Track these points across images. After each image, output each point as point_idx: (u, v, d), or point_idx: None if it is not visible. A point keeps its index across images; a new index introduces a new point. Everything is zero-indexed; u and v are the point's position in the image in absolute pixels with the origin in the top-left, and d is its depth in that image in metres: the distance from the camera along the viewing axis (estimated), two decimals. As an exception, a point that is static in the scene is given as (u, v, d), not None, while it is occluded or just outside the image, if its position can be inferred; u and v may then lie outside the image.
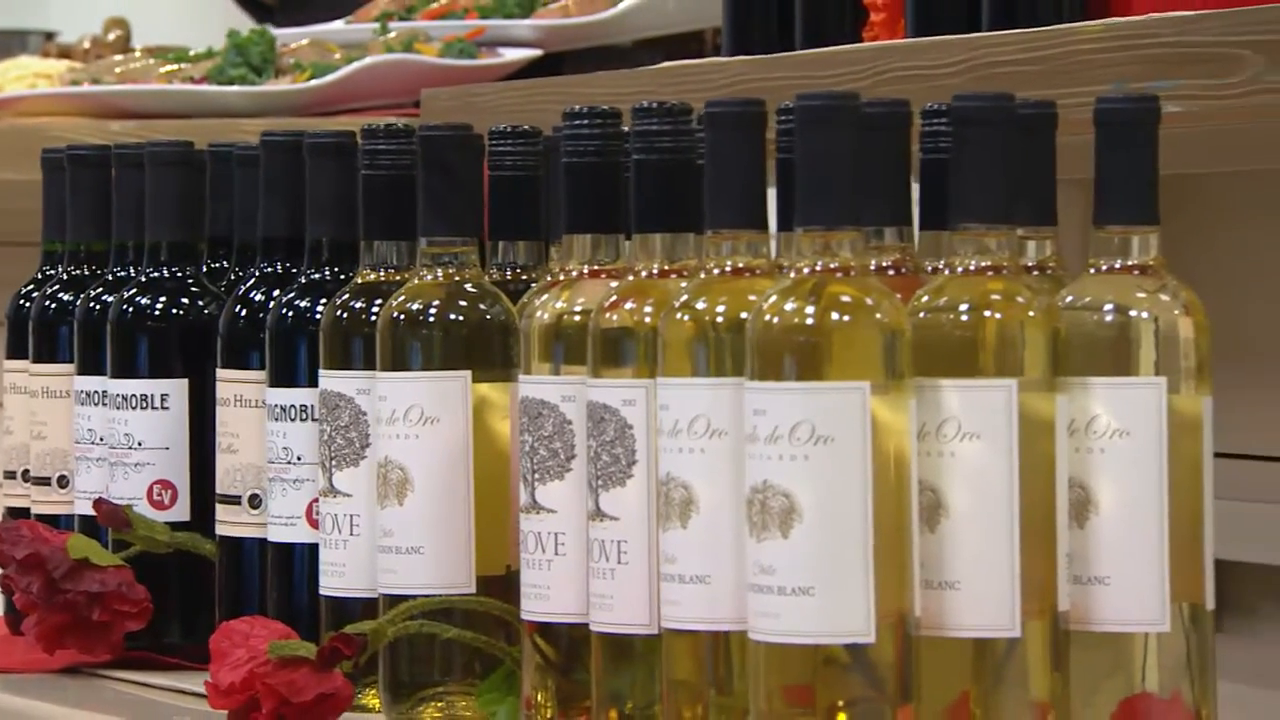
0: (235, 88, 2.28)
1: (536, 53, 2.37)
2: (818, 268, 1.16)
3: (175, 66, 2.37)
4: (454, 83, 2.07)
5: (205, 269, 1.61)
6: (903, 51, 1.58)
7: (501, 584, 1.35)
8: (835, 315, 1.15)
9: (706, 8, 2.30)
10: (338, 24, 2.49)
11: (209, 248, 1.62)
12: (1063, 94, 1.37)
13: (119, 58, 2.52)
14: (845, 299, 1.15)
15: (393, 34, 2.38)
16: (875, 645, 1.14)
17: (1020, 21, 1.53)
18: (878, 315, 1.15)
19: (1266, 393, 1.78)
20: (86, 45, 2.86)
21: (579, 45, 2.40)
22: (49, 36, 3.31)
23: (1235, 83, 1.34)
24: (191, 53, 2.42)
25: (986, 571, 1.16)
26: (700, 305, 1.21)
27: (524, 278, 1.41)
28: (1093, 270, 1.20)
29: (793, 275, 1.17)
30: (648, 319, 1.24)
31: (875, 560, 1.14)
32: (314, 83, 2.28)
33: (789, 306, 1.16)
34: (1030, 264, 1.25)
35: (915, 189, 1.30)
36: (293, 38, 2.40)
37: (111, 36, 2.88)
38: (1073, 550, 1.18)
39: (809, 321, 1.15)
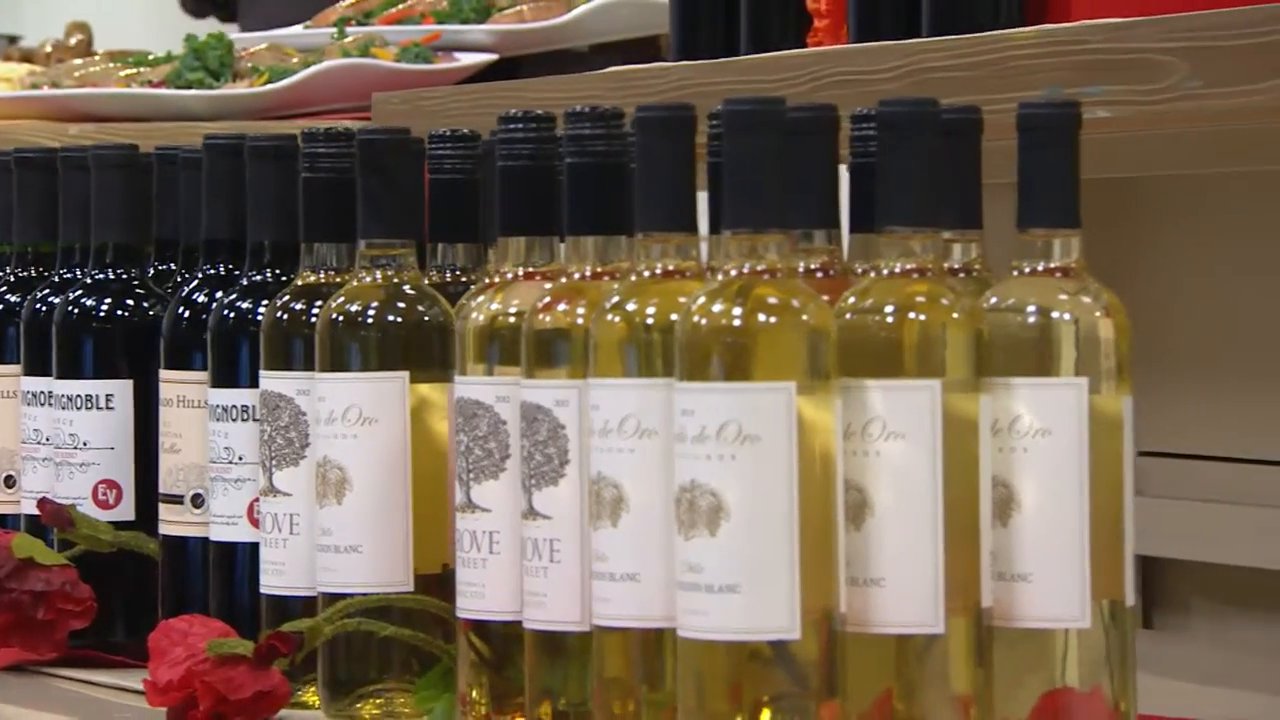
0: (192, 91, 2.29)
1: (491, 57, 2.39)
2: (745, 270, 1.18)
3: (134, 70, 2.39)
4: (410, 87, 2.08)
5: (153, 271, 1.63)
6: (841, 57, 1.60)
7: (439, 582, 1.37)
8: (761, 316, 1.17)
9: (660, 13, 2.32)
10: (296, 28, 2.50)
11: (157, 250, 1.63)
12: (997, 99, 1.39)
13: (79, 61, 2.53)
14: (771, 301, 1.17)
15: (350, 39, 2.39)
16: (800, 642, 1.16)
17: (959, 28, 1.55)
18: (803, 317, 1.17)
19: (1197, 392, 1.80)
20: (48, 49, 2.87)
21: (534, 50, 2.42)
22: (12, 40, 3.32)
23: (1161, 88, 1.36)
24: (151, 57, 2.43)
25: (910, 569, 1.18)
26: (631, 307, 1.22)
27: (463, 280, 1.42)
28: (1016, 273, 1.22)
29: (720, 277, 1.18)
30: (580, 320, 1.25)
31: (801, 558, 1.16)
32: (270, 86, 2.30)
33: (716, 308, 1.17)
34: (956, 266, 1.27)
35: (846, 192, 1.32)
36: (251, 42, 2.42)
37: (73, 41, 2.90)
38: (996, 548, 1.20)
39: (735, 323, 1.17)
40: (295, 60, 2.36)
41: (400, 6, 2.49)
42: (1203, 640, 1.79)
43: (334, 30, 2.42)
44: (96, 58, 2.55)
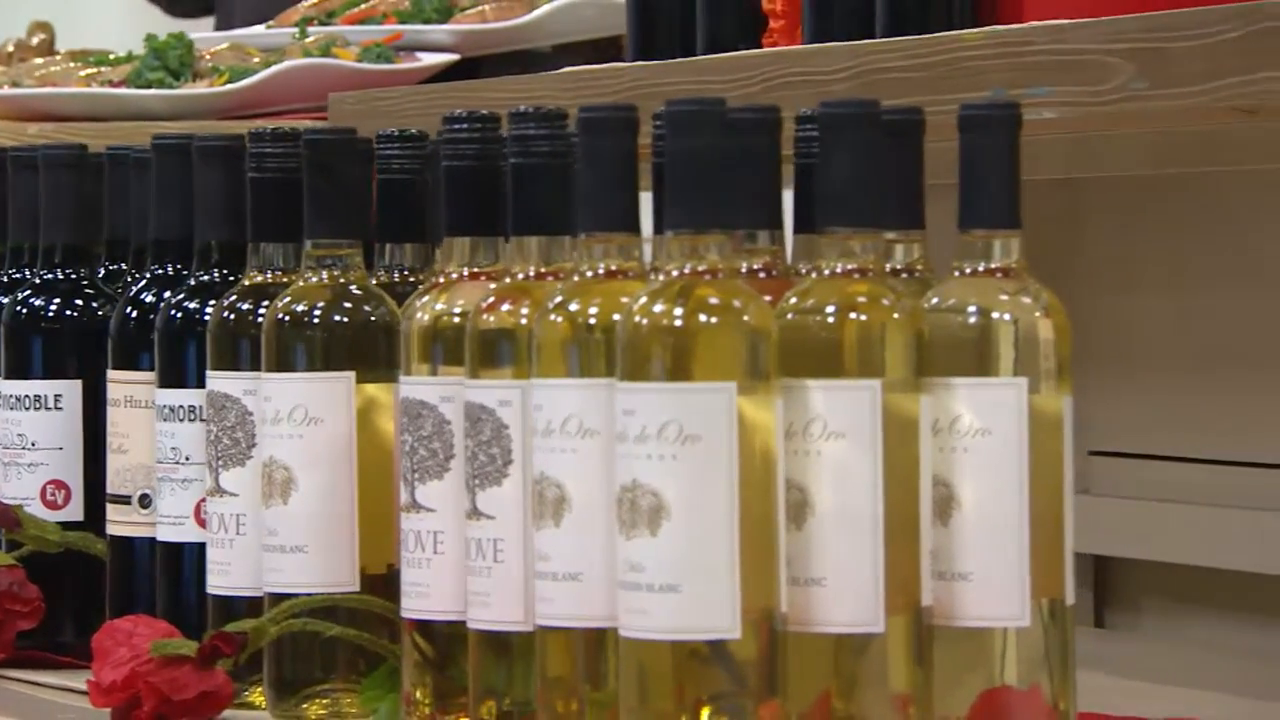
0: (152, 91, 2.29)
1: (453, 57, 2.39)
2: (686, 270, 1.18)
3: (94, 70, 2.38)
4: (371, 87, 2.08)
5: (104, 271, 1.63)
6: (794, 58, 1.60)
7: (385, 582, 1.37)
8: (702, 317, 1.17)
9: (622, 13, 2.33)
10: (258, 28, 2.50)
11: (108, 250, 1.63)
12: (947, 99, 1.39)
13: (40, 61, 2.53)
14: (712, 301, 1.18)
15: (311, 39, 2.39)
16: (741, 641, 1.16)
17: (911, 29, 1.56)
18: (744, 317, 1.18)
19: (1147, 393, 1.81)
20: (10, 49, 2.86)
21: (496, 50, 2.42)
22: (-23, 39, 3.31)
23: (1108, 89, 1.37)
24: (112, 56, 2.43)
25: (851, 568, 1.18)
26: (574, 307, 1.22)
27: (411, 280, 1.42)
28: (957, 273, 1.23)
29: (662, 278, 1.19)
30: (524, 321, 1.26)
31: (741, 558, 1.16)
32: (230, 86, 2.29)
33: (657, 308, 1.17)
34: (899, 267, 1.27)
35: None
36: (213, 41, 2.42)
37: (35, 40, 2.89)
38: (936, 547, 1.20)
39: (676, 323, 1.17)
40: (256, 60, 2.36)
41: (362, 6, 2.49)
42: (1154, 639, 1.80)
43: (296, 30, 2.42)
44: (58, 57, 2.54)
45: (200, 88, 2.32)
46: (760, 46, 1.71)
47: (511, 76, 1.98)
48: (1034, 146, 1.43)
